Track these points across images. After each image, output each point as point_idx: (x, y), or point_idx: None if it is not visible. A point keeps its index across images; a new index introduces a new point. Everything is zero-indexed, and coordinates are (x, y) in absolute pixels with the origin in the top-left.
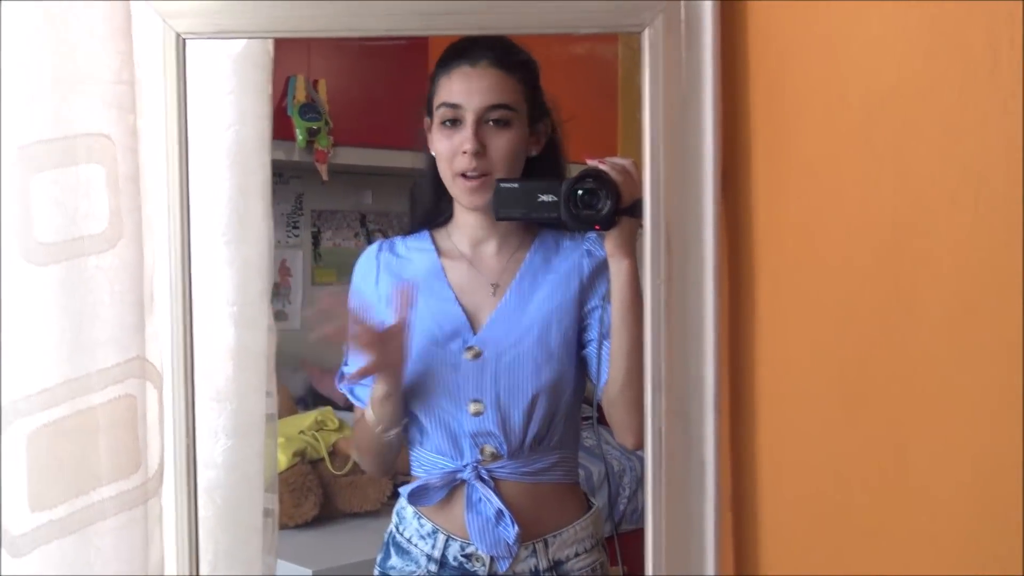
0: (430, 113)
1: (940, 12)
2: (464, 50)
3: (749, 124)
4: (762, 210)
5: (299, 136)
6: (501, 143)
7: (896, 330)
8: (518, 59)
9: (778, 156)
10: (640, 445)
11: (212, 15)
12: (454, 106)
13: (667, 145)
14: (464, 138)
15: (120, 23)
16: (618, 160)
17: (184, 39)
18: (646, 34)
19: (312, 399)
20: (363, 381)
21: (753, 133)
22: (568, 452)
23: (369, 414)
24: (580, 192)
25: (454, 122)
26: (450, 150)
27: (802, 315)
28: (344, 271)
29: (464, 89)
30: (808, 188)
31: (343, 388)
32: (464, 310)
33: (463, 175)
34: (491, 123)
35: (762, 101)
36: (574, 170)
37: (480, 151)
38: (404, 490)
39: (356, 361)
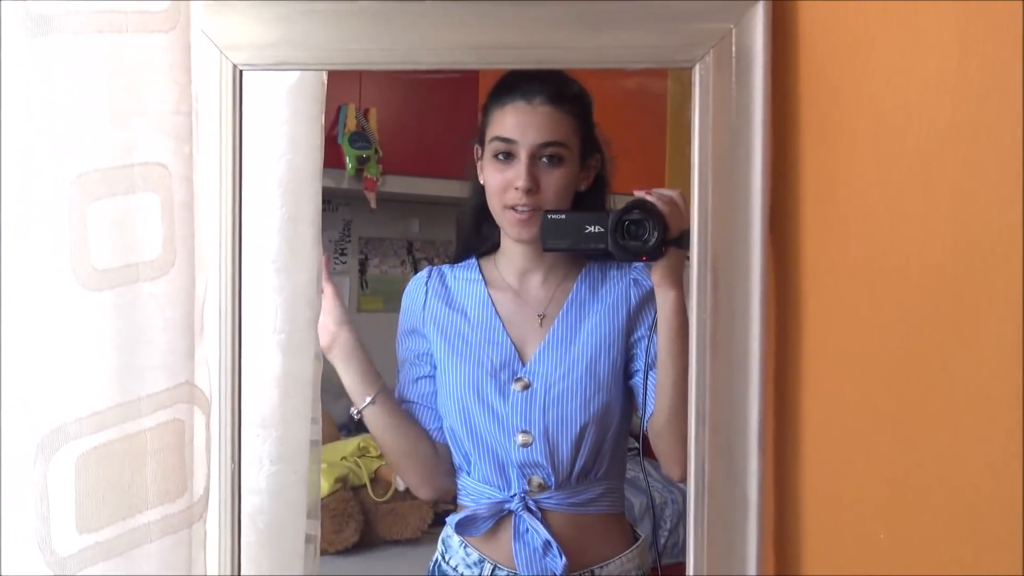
0: (481, 143)
1: (998, 51)
2: (519, 85)
3: (799, 160)
4: (810, 246)
5: (349, 164)
6: (553, 180)
7: (950, 370)
8: (572, 95)
9: (828, 192)
10: (686, 477)
11: (269, 47)
12: (508, 141)
13: (716, 180)
14: (517, 174)
15: (179, 56)
16: (665, 191)
17: (241, 71)
18: (697, 70)
19: (355, 426)
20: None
21: (803, 169)
22: (614, 482)
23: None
24: (627, 223)
25: (507, 156)
26: (502, 183)
27: (850, 353)
28: (390, 299)
29: (519, 125)
30: (859, 225)
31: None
32: (512, 341)
33: (513, 208)
34: (544, 160)
35: (813, 138)
36: (622, 202)
37: (533, 188)
38: (451, 520)
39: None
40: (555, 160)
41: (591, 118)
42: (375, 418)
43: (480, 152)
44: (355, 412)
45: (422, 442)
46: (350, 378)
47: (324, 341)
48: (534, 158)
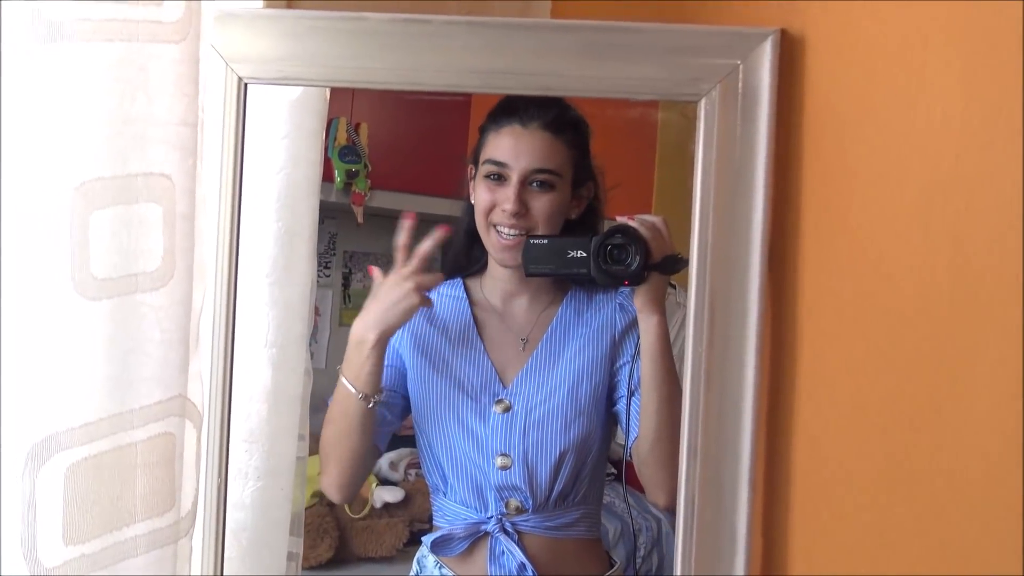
0: (475, 163)
1: (1001, 97)
2: (517, 109)
3: (800, 198)
4: (808, 284)
5: (337, 178)
6: (542, 205)
7: (942, 414)
8: (569, 123)
9: (828, 231)
10: (672, 504)
11: (275, 62)
12: (500, 164)
13: (716, 214)
14: (506, 197)
15: (188, 67)
16: (648, 217)
17: (246, 83)
18: (702, 104)
19: None
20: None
21: (804, 207)
22: (591, 507)
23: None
24: (610, 248)
25: (499, 178)
26: (490, 203)
27: (843, 391)
28: None
29: (512, 149)
30: (858, 266)
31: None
32: (493, 364)
33: (498, 229)
34: (535, 185)
35: (815, 176)
36: (605, 228)
37: (521, 211)
38: (427, 539)
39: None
40: (546, 186)
41: (587, 147)
42: (363, 414)
43: (473, 172)
44: (369, 403)
45: (372, 455)
46: (375, 364)
47: (395, 322)
48: (524, 182)
